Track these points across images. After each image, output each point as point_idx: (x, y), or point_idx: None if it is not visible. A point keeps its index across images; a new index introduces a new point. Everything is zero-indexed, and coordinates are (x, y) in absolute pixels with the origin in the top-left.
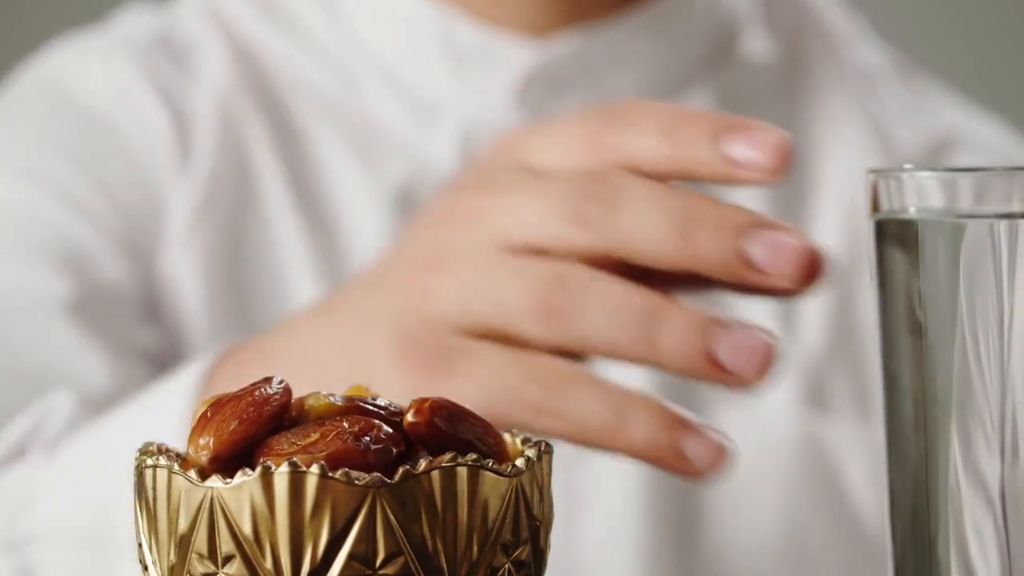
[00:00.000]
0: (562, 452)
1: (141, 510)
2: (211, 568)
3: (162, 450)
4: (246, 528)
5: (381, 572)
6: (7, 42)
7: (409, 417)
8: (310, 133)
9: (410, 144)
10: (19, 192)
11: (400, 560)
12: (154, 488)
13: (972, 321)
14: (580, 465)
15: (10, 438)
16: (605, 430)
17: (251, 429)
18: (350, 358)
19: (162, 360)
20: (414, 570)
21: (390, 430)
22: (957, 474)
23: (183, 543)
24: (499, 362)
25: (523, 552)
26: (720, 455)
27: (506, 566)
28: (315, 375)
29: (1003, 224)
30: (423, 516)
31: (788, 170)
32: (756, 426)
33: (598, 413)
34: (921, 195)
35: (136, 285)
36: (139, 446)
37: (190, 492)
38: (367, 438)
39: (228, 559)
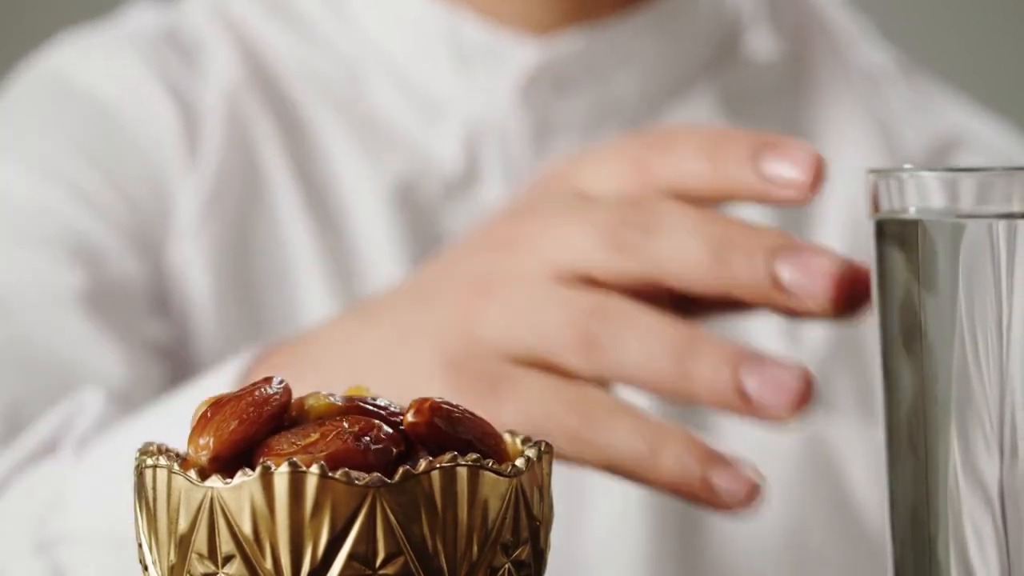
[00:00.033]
0: None
1: (141, 510)
2: (211, 568)
3: (162, 450)
4: (246, 528)
5: (381, 572)
6: (7, 41)
7: (409, 417)
8: (317, 129)
9: (415, 141)
10: (30, 185)
11: (400, 560)
12: (154, 488)
13: (971, 321)
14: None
15: (40, 434)
16: (638, 462)
17: (251, 429)
18: (391, 370)
19: (172, 353)
20: (414, 570)
21: (390, 430)
22: (956, 474)
23: (183, 543)
24: (541, 390)
25: (523, 552)
26: (751, 490)
27: (506, 566)
28: (352, 383)
29: (1002, 224)
30: (423, 516)
31: (822, 186)
32: (758, 426)
33: (632, 445)
34: (921, 195)
35: (146, 278)
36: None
37: (190, 492)
38: (367, 438)
39: (228, 559)
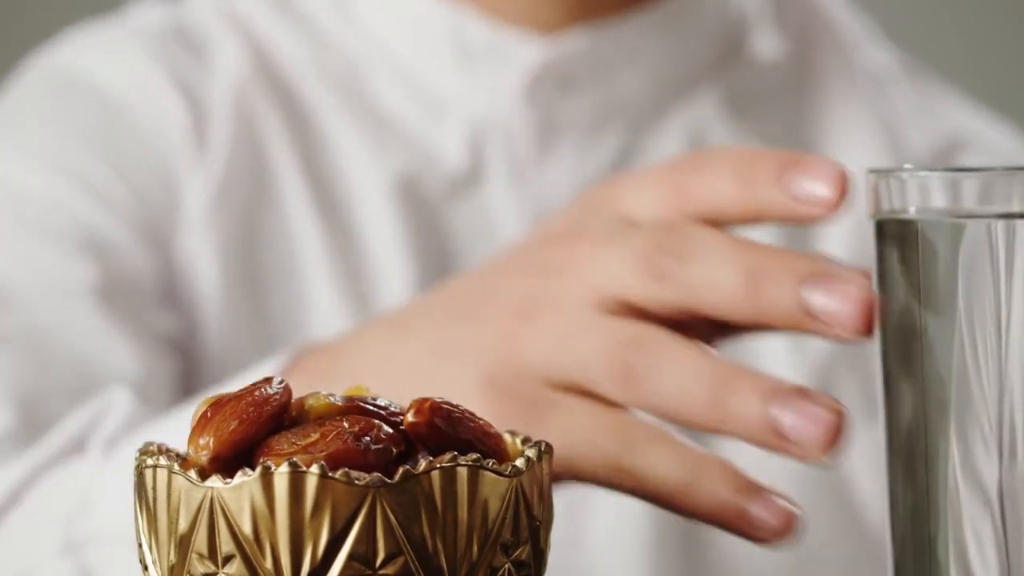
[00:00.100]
0: None
1: (141, 510)
2: (211, 568)
3: (162, 450)
4: (246, 528)
5: (381, 572)
6: (8, 41)
7: (409, 417)
8: (323, 125)
9: (420, 138)
10: (40, 179)
11: (400, 560)
12: (154, 488)
13: (970, 321)
14: None
15: (67, 432)
16: (676, 490)
17: (251, 429)
18: (430, 385)
19: (180, 345)
20: (414, 570)
21: (390, 430)
22: (956, 474)
23: (183, 543)
24: (582, 416)
25: (523, 552)
26: (788, 522)
27: (506, 566)
28: (389, 394)
29: (1001, 224)
30: (423, 516)
31: (848, 202)
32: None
33: (671, 473)
34: (921, 195)
35: (155, 272)
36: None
37: (190, 492)
38: (367, 438)
39: (228, 559)
